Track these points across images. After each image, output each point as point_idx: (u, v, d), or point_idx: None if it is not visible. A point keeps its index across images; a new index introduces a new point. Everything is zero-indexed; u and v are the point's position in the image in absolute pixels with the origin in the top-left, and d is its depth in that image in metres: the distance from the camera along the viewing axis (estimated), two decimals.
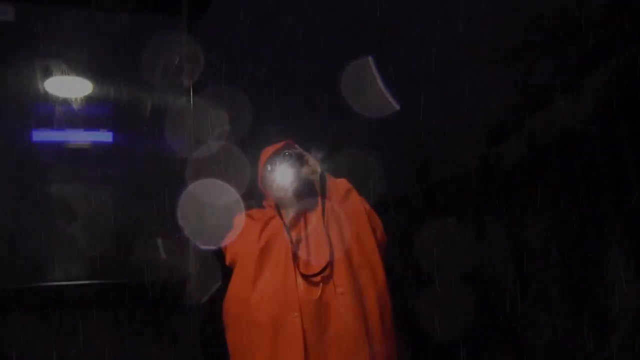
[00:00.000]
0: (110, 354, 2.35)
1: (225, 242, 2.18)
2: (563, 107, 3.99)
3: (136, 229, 2.68)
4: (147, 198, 2.70)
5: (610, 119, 3.49)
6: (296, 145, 2.26)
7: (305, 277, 1.96)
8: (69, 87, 2.81)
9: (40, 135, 2.84)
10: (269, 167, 2.18)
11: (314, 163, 2.15)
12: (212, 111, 2.55)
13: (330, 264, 1.98)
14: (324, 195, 2.10)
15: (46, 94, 2.77)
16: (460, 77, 3.82)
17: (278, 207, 2.15)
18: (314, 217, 2.11)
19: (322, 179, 2.13)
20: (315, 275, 1.96)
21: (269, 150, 2.25)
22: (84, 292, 2.51)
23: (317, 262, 1.99)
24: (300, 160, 2.14)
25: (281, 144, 2.25)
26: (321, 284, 1.96)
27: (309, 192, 2.14)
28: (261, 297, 1.97)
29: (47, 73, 2.73)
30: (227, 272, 2.15)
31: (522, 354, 4.39)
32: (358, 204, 2.13)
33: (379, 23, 3.21)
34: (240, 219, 2.23)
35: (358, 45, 3.29)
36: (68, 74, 2.76)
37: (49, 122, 2.82)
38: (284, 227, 2.07)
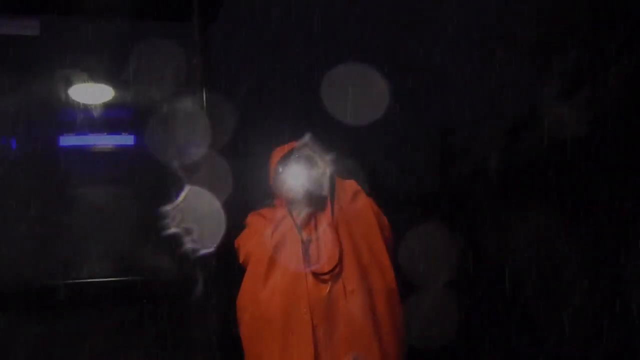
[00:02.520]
0: (131, 350, 2.45)
1: (238, 241, 2.26)
2: (586, 100, 3.96)
3: (155, 229, 2.78)
4: (165, 198, 2.80)
5: (635, 111, 3.45)
6: (307, 146, 2.31)
7: (316, 275, 2.03)
8: (90, 94, 2.94)
9: (65, 140, 2.97)
10: (280, 169, 2.24)
11: (324, 165, 2.20)
12: (224, 114, 2.63)
13: (339, 263, 2.04)
14: (333, 197, 2.16)
15: (70, 101, 2.91)
16: (481, 68, 3.82)
17: (289, 207, 2.21)
18: (324, 217, 2.17)
19: (331, 180, 2.18)
20: (325, 274, 2.03)
21: (279, 151, 2.31)
22: (108, 289, 2.60)
23: (327, 261, 2.06)
24: (310, 162, 2.20)
25: (292, 144, 2.31)
26: (331, 283, 2.03)
27: (319, 193, 2.20)
28: (272, 294, 2.05)
29: (70, 81, 2.86)
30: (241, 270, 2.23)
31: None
32: (366, 204, 2.19)
33: (395, 13, 3.22)
34: (252, 219, 2.31)
35: (374, 39, 3.30)
36: (89, 82, 2.89)
37: (73, 128, 2.96)
38: (294, 227, 2.13)
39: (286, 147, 2.30)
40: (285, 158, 2.25)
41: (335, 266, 2.04)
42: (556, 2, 3.44)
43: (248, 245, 2.22)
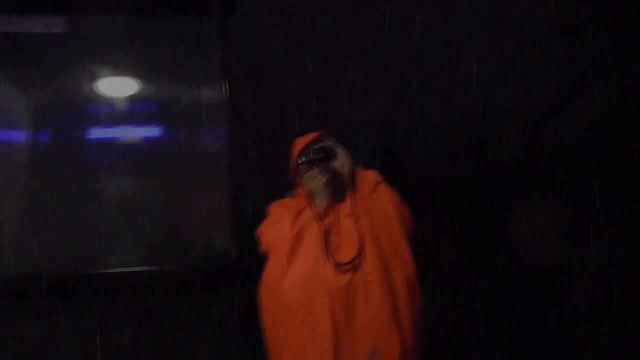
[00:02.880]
0: (161, 337, 2.53)
1: (259, 230, 2.29)
2: (615, 85, 3.88)
3: (184, 218, 2.85)
4: (192, 189, 2.86)
5: None
6: (328, 137, 2.33)
7: (336, 265, 2.05)
8: (116, 87, 3.01)
9: (94, 133, 3.05)
10: (302, 159, 2.26)
11: (344, 157, 2.21)
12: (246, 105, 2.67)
13: (360, 254, 2.06)
14: (353, 188, 2.17)
15: (97, 95, 2.97)
16: (508, 55, 3.77)
17: (310, 198, 2.23)
18: (344, 208, 2.19)
19: (351, 171, 2.20)
20: (345, 264, 2.05)
21: (301, 141, 2.33)
22: (137, 279, 2.67)
23: (348, 252, 2.08)
24: (331, 154, 2.21)
25: (313, 135, 2.32)
26: (351, 273, 2.05)
27: (339, 183, 2.22)
28: (293, 283, 2.08)
29: (97, 76, 2.93)
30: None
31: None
32: (387, 195, 2.19)
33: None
34: (274, 208, 2.34)
35: (399, 27, 3.29)
36: (115, 76, 2.96)
37: (101, 121, 3.03)
38: (315, 217, 2.16)
39: (307, 138, 2.32)
40: (307, 148, 2.28)
41: (356, 257, 2.05)
42: None
43: (269, 234, 2.25)
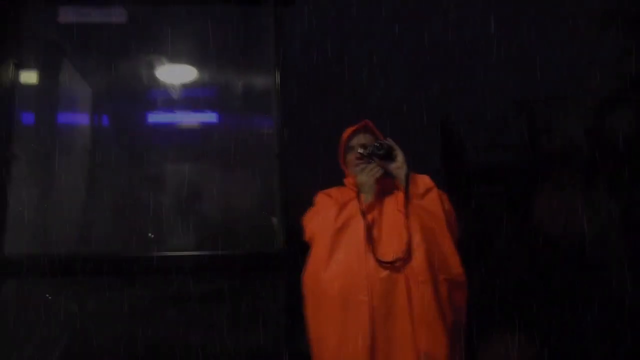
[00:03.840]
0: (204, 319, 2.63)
1: (304, 219, 2.33)
2: None
3: (231, 203, 2.92)
4: (244, 173, 2.93)
5: None
6: (374, 128, 2.34)
7: (379, 262, 2.07)
8: (175, 74, 3.10)
9: (153, 117, 3.16)
10: (362, 150, 2.28)
11: (401, 160, 2.21)
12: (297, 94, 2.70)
13: (406, 254, 2.07)
14: (407, 191, 2.17)
15: (156, 81, 3.08)
16: (569, 44, 3.67)
17: (358, 190, 2.25)
18: (391, 207, 2.21)
19: (407, 173, 2.20)
20: (389, 262, 2.06)
21: (350, 129, 2.35)
22: (194, 262, 2.77)
23: (391, 247, 2.10)
24: (391, 153, 2.22)
25: (362, 124, 2.35)
26: (395, 271, 2.07)
27: (390, 183, 2.23)
28: (334, 275, 2.12)
29: (156, 64, 3.03)
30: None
31: None
32: (437, 201, 2.19)
33: None
34: (320, 198, 2.37)
35: (450, 20, 3.25)
36: (174, 63, 3.06)
37: (160, 106, 3.14)
38: (360, 211, 2.18)
39: (357, 126, 2.34)
40: (365, 140, 2.30)
41: (399, 258, 2.06)
42: None
43: (312, 224, 2.29)
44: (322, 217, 2.26)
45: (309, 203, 2.37)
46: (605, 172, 4.45)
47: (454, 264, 2.11)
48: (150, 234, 2.85)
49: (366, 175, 2.23)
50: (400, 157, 2.21)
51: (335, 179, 2.42)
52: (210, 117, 3.17)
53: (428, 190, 2.20)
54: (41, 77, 3.05)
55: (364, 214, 2.16)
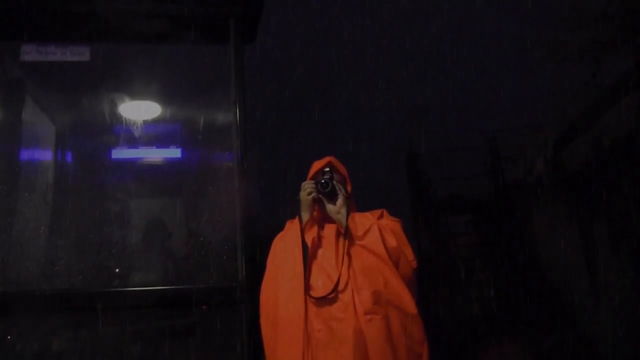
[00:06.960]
0: (168, 352, 2.62)
1: (274, 241, 2.38)
2: (634, 106, 3.88)
3: (193, 237, 2.95)
4: (207, 207, 2.96)
5: None
6: (337, 164, 2.41)
7: (310, 297, 2.13)
8: (138, 111, 3.15)
9: (116, 153, 3.19)
10: (311, 182, 2.34)
11: (340, 203, 2.27)
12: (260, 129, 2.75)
13: (335, 289, 2.11)
14: (346, 232, 2.22)
15: (119, 118, 3.12)
16: (529, 76, 3.81)
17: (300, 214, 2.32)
18: (332, 232, 2.29)
19: (347, 216, 2.24)
20: (320, 298, 2.12)
21: (317, 164, 2.42)
22: (155, 297, 2.76)
23: (323, 286, 2.15)
24: (333, 194, 2.29)
25: (327, 159, 2.41)
26: (332, 302, 2.11)
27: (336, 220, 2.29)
28: (275, 299, 2.20)
29: (119, 101, 3.07)
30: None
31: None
32: (377, 240, 2.22)
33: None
34: (288, 223, 2.42)
35: (423, 56, 3.36)
36: (137, 100, 3.10)
37: (122, 142, 3.17)
38: (299, 232, 2.25)
39: (322, 162, 2.41)
40: (317, 173, 2.37)
41: (331, 292, 2.11)
42: (599, 7, 3.38)
43: (274, 246, 2.38)
44: (282, 239, 2.36)
45: (271, 235, 2.41)
46: (565, 199, 4.59)
47: (405, 298, 2.14)
48: (116, 269, 2.85)
49: (302, 191, 2.31)
50: (339, 201, 2.27)
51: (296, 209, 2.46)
52: (172, 152, 3.21)
53: (367, 231, 2.24)
54: (3, 114, 3.06)
55: (302, 233, 2.23)
